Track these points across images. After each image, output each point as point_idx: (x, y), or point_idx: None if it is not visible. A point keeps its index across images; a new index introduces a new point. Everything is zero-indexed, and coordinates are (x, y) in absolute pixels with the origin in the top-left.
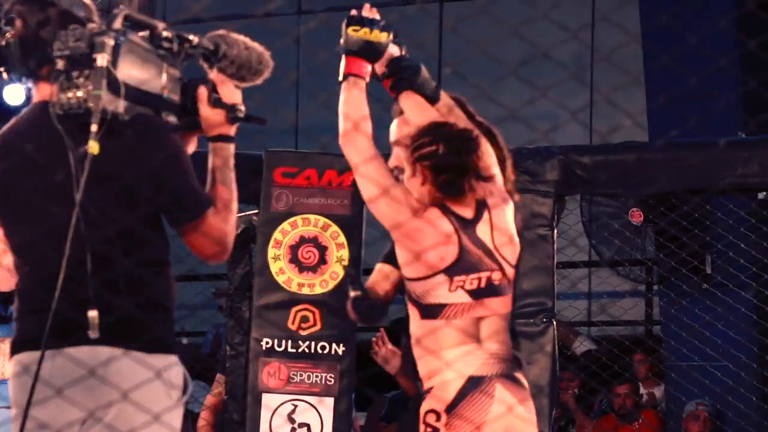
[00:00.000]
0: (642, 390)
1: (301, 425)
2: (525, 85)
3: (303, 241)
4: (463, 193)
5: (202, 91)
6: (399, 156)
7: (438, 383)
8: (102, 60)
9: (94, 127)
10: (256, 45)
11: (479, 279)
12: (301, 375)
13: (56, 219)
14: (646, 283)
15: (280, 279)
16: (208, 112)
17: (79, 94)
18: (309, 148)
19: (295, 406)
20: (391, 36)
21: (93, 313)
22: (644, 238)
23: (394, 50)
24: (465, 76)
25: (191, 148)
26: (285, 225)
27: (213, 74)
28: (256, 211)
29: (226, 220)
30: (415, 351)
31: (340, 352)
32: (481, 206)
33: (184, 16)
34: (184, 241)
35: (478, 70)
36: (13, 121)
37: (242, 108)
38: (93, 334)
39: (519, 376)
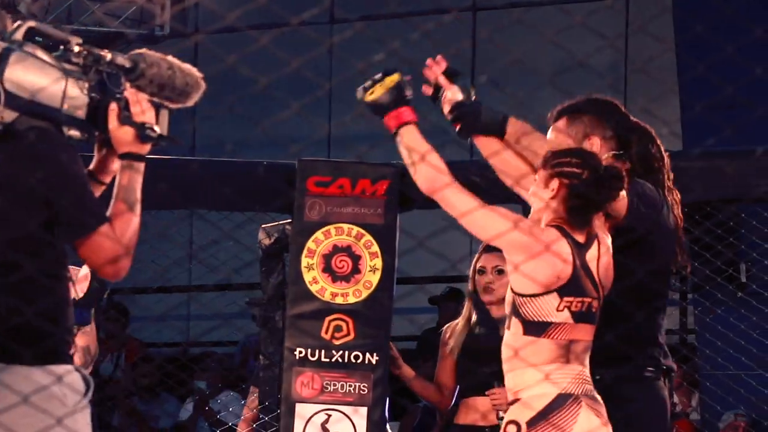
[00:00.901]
0: (676, 399)
1: None
2: (560, 94)
3: (336, 250)
4: (586, 225)
5: (112, 108)
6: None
7: (527, 396)
8: None
9: None
10: (184, 66)
11: (583, 302)
12: (334, 384)
13: None
14: (681, 292)
15: (314, 288)
16: (116, 129)
17: None
18: (342, 158)
19: (329, 416)
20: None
21: None
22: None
23: (456, 95)
24: (500, 84)
25: (116, 164)
26: (318, 234)
27: (128, 91)
28: (289, 220)
29: (122, 238)
30: (507, 364)
31: (374, 362)
32: (591, 235)
33: (218, 26)
34: (79, 255)
35: (514, 79)
36: None
37: (155, 128)
38: None
39: (599, 397)
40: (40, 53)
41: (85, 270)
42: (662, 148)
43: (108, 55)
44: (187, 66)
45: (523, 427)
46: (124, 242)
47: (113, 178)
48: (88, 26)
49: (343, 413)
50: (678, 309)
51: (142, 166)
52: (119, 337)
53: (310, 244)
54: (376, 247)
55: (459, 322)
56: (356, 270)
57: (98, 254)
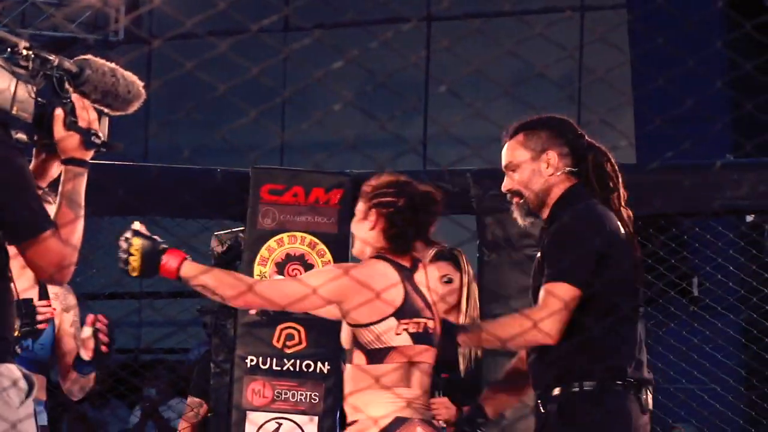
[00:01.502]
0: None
1: None
2: (516, 104)
3: (289, 258)
4: (408, 251)
5: (58, 113)
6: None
7: (363, 418)
8: None
9: None
10: (127, 74)
11: (418, 324)
12: (286, 393)
13: None
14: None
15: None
16: (62, 135)
17: None
18: (297, 166)
19: (280, 425)
20: None
21: None
22: None
23: None
24: (458, 95)
25: (56, 169)
26: (271, 242)
27: (74, 97)
28: (242, 228)
29: (68, 243)
30: (349, 387)
31: (326, 371)
32: (416, 260)
33: (173, 32)
34: (23, 259)
35: (471, 89)
36: None
37: (99, 134)
38: None
39: (435, 422)
40: None
41: (87, 332)
42: (616, 167)
43: (56, 60)
44: (129, 74)
45: None
46: (70, 246)
47: (49, 183)
48: (42, 31)
49: (295, 422)
50: None
51: (85, 171)
52: None
53: (263, 251)
54: (329, 256)
55: None
56: None
57: (45, 258)
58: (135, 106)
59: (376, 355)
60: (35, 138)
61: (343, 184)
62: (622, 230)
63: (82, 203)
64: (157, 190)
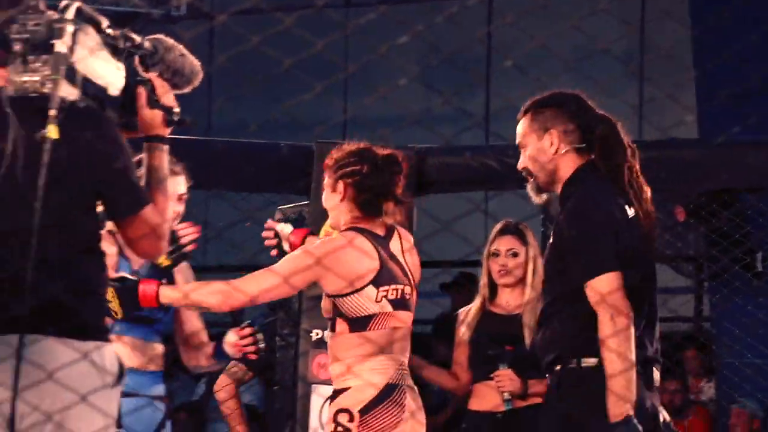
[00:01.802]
0: (693, 387)
1: None
2: (578, 79)
3: None
4: (380, 214)
5: (141, 92)
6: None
7: (356, 385)
8: (61, 46)
9: (52, 112)
10: (188, 54)
11: (397, 290)
12: None
13: None
14: (697, 280)
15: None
16: (146, 113)
17: (35, 78)
18: (359, 141)
19: None
20: None
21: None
22: (692, 235)
23: None
24: (522, 69)
25: None
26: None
27: (151, 76)
28: (306, 202)
29: (162, 218)
30: (336, 355)
31: None
32: (390, 227)
33: (235, 8)
34: (121, 235)
35: (532, 64)
36: None
37: (178, 110)
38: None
39: (414, 386)
40: (92, 32)
41: (232, 338)
42: (626, 140)
43: (138, 39)
44: (190, 54)
45: (356, 415)
46: (164, 220)
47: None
48: (105, 6)
49: None
50: (694, 297)
51: (166, 148)
52: None
53: (327, 227)
54: None
55: (473, 307)
56: None
57: (144, 232)
58: (194, 85)
59: (358, 323)
60: (121, 115)
61: (407, 159)
62: (628, 208)
63: (167, 178)
64: (223, 164)
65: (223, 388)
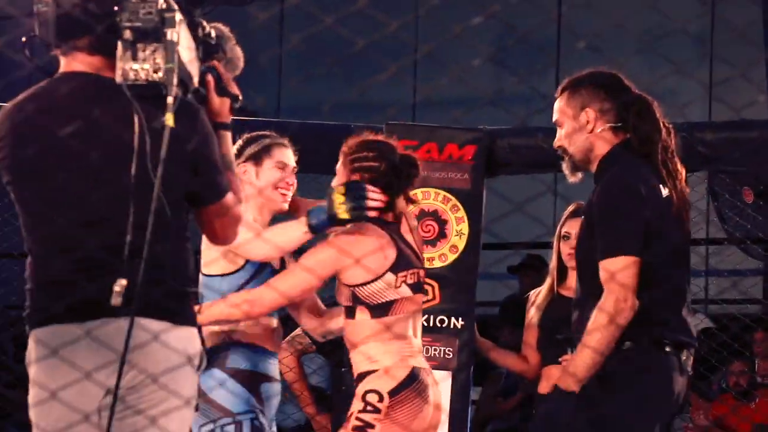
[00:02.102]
0: (761, 369)
1: None
2: (651, 59)
3: (423, 214)
4: (391, 210)
5: (210, 80)
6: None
7: (383, 367)
8: (173, 35)
9: (170, 100)
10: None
11: (414, 274)
12: None
13: (110, 186)
14: (766, 261)
15: None
16: (216, 100)
17: (146, 66)
18: (429, 123)
19: None
20: None
21: (123, 282)
22: (762, 216)
23: None
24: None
25: None
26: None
27: (216, 63)
28: None
29: (239, 204)
30: (357, 342)
31: (459, 326)
32: (398, 214)
33: None
34: (204, 221)
35: (605, 44)
36: (35, 91)
37: (241, 98)
38: (115, 301)
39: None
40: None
41: None
42: (662, 120)
43: (208, 27)
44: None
45: (386, 396)
46: (239, 206)
47: None
48: None
49: None
50: (762, 278)
51: (230, 133)
52: None
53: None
54: (462, 212)
55: (542, 290)
56: (442, 234)
57: (225, 219)
58: (237, 72)
59: (379, 309)
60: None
61: (477, 140)
62: (662, 188)
63: (234, 162)
64: (294, 146)
65: (291, 369)
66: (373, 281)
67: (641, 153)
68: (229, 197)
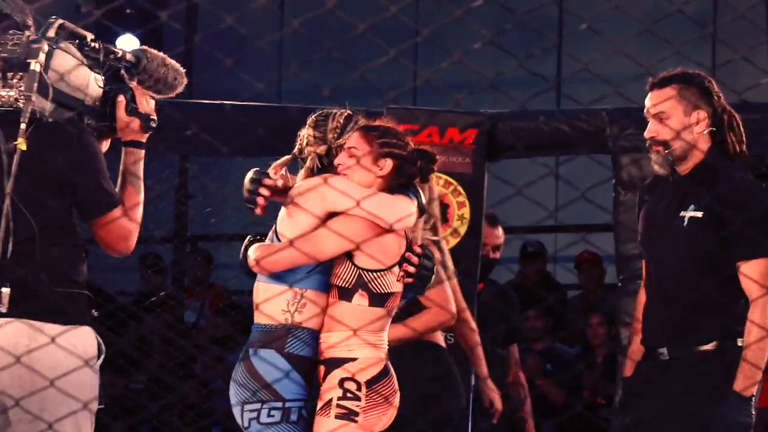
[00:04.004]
0: None
1: None
2: (651, 42)
3: None
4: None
5: (120, 100)
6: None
7: (363, 357)
8: (35, 65)
9: (23, 126)
10: (172, 62)
11: (406, 271)
12: None
13: None
14: None
15: None
16: (124, 120)
17: (11, 93)
18: (429, 107)
19: None
20: None
21: (5, 290)
22: None
23: None
24: (595, 32)
25: (104, 147)
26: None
27: (132, 85)
28: None
29: (132, 219)
30: (339, 326)
31: None
32: None
33: None
34: (93, 232)
35: (605, 26)
36: None
37: (155, 118)
38: (2, 308)
39: None
40: (71, 49)
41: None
42: (743, 130)
43: (120, 51)
44: (174, 62)
45: (363, 384)
46: (134, 222)
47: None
48: None
49: None
50: None
51: (142, 153)
52: (203, 285)
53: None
54: (464, 197)
55: None
56: (444, 219)
57: (114, 232)
58: (178, 91)
59: (378, 298)
60: (99, 122)
61: (479, 124)
62: None
63: (141, 180)
64: (296, 130)
65: None
66: (385, 270)
67: (732, 158)
68: (115, 213)
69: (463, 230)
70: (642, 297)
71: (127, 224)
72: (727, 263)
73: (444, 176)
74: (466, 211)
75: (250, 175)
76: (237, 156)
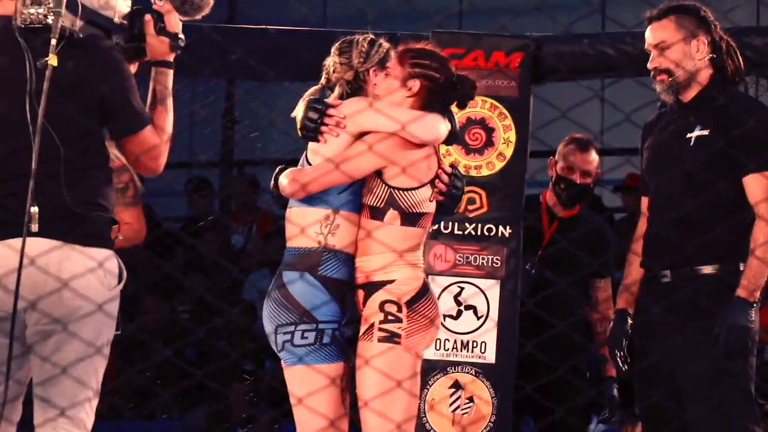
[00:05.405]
0: None
1: (467, 307)
2: None
3: (470, 122)
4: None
5: (148, 20)
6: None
7: (401, 278)
8: None
9: (53, 42)
10: None
11: (438, 192)
12: (468, 257)
13: (6, 118)
14: None
15: (447, 161)
16: (153, 39)
17: (40, 10)
18: (476, 30)
19: (462, 288)
20: None
21: (34, 209)
22: None
23: None
24: None
25: (133, 70)
26: (452, 107)
27: (159, 4)
28: None
29: (162, 138)
30: (377, 248)
31: (507, 235)
32: None
33: None
34: (124, 152)
35: None
36: None
37: (183, 37)
38: (33, 227)
39: None
40: None
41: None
42: (743, 60)
43: None
44: None
45: (403, 305)
46: (164, 139)
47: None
48: None
49: (477, 286)
50: None
51: (171, 72)
52: (250, 210)
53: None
54: (509, 120)
55: None
56: (490, 143)
57: (145, 152)
58: (204, 12)
59: (410, 218)
60: (127, 43)
61: (524, 47)
62: None
63: (171, 99)
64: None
65: None
66: (416, 188)
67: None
68: (146, 132)
69: (508, 153)
70: (642, 227)
71: (158, 143)
72: (732, 179)
73: (490, 100)
74: (511, 135)
75: (307, 104)
76: (283, 80)
